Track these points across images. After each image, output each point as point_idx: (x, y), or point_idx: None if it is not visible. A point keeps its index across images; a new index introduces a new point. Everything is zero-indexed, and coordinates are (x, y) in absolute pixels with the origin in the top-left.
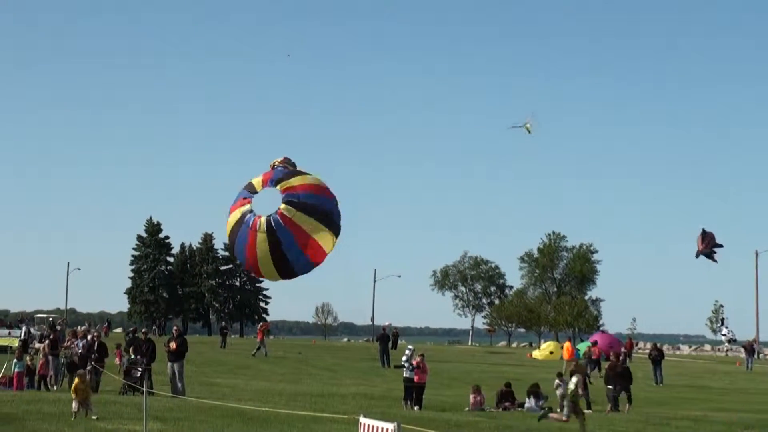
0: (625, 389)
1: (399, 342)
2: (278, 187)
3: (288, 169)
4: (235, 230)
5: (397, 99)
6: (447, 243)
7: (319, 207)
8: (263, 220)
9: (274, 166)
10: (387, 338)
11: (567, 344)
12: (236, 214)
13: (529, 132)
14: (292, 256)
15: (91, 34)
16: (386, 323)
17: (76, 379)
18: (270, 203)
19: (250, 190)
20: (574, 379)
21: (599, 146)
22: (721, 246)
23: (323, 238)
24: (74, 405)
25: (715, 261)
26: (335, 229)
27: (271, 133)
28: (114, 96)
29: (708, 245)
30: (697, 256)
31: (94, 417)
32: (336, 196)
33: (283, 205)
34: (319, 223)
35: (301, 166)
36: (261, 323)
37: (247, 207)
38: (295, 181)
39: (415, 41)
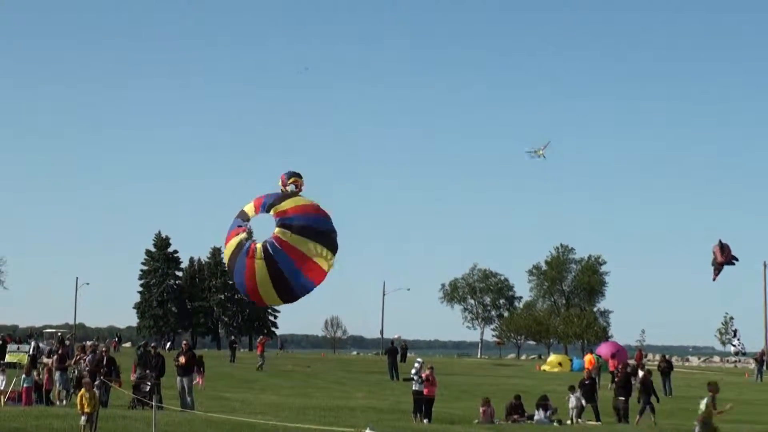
0: (644, 400)
1: (408, 355)
2: (271, 212)
3: (284, 192)
4: (233, 260)
5: (408, 111)
6: (456, 256)
7: (314, 227)
8: (259, 246)
9: (284, 184)
10: (396, 351)
11: (589, 356)
12: (233, 243)
13: (544, 158)
14: (292, 279)
15: (100, 49)
16: (395, 336)
17: (82, 390)
18: (264, 229)
19: (243, 218)
20: (705, 400)
21: (607, 159)
22: (737, 260)
23: (321, 258)
24: (82, 420)
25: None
26: (332, 246)
27: (280, 146)
28: (122, 109)
29: (726, 257)
30: (715, 268)
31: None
32: (329, 214)
33: (277, 229)
34: (316, 243)
35: (310, 179)
36: (261, 336)
37: (243, 235)
38: (286, 205)
39: (431, 53)
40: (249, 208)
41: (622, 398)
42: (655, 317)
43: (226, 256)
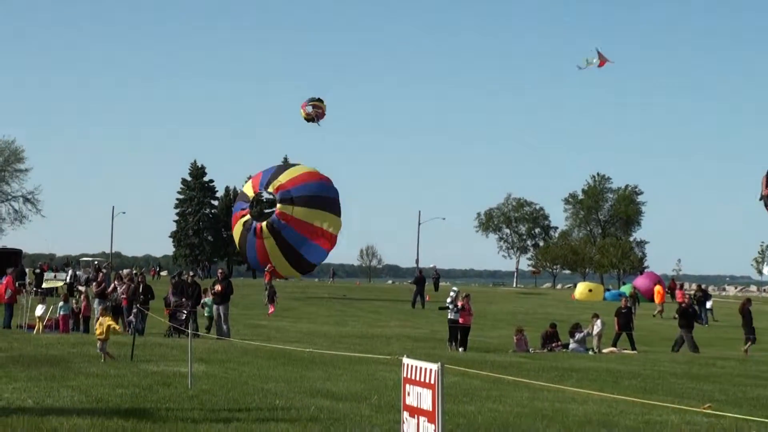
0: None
1: (443, 284)
2: (270, 188)
3: (283, 164)
4: (242, 242)
5: (445, 39)
6: (491, 185)
7: (315, 195)
8: (264, 225)
9: (307, 110)
10: (423, 281)
11: (658, 288)
12: (239, 227)
13: (591, 64)
14: (303, 250)
15: None
16: (431, 266)
17: (101, 317)
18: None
19: (245, 199)
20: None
21: (645, 87)
22: None
23: (327, 224)
24: (99, 345)
25: None
26: (336, 210)
27: (315, 74)
28: (162, 39)
29: None
30: (761, 199)
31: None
32: (329, 178)
33: (279, 205)
34: (320, 211)
35: (347, 108)
36: (268, 265)
37: (247, 217)
38: (284, 178)
39: None
40: (248, 188)
41: (684, 328)
42: (691, 247)
43: (235, 238)
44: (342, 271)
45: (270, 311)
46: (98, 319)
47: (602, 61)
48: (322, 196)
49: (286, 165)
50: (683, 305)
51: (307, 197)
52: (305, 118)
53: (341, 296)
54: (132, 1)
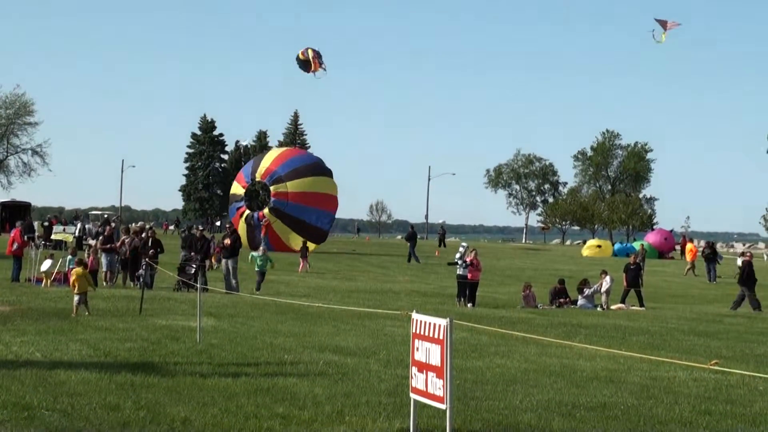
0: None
1: (452, 240)
2: (257, 177)
3: (259, 155)
4: (251, 238)
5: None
6: (500, 141)
7: (301, 165)
8: (266, 210)
9: (303, 56)
10: (415, 236)
11: (691, 246)
12: (242, 226)
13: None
14: (310, 219)
15: None
16: (440, 221)
17: (77, 269)
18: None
19: (236, 199)
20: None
21: (652, 43)
22: None
23: (323, 186)
24: (75, 299)
25: None
26: (326, 172)
27: (324, 30)
28: None
29: None
30: None
31: (86, 313)
32: (306, 151)
33: (272, 187)
34: (311, 177)
35: (357, 64)
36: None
37: (246, 212)
38: (265, 163)
39: None
40: (236, 188)
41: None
42: (700, 204)
43: (244, 241)
44: (352, 226)
45: (300, 267)
46: (73, 269)
47: (668, 27)
48: (307, 164)
49: (261, 154)
50: (744, 262)
51: (294, 171)
52: (300, 58)
53: (350, 251)
54: None
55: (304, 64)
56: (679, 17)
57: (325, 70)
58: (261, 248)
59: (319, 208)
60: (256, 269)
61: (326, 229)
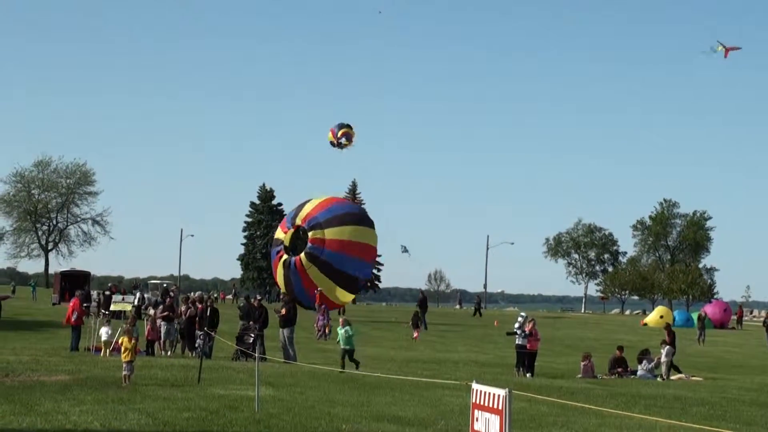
0: None
1: (511, 309)
2: (297, 221)
3: (302, 202)
4: (288, 282)
5: (514, 66)
6: (560, 210)
7: (341, 213)
8: (302, 256)
9: (336, 137)
10: (425, 303)
11: None
12: (280, 270)
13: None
14: (346, 268)
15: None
16: (499, 290)
17: (124, 338)
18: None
19: (277, 244)
20: None
21: (715, 111)
22: None
23: (362, 236)
24: (125, 368)
25: None
26: (366, 222)
27: (371, 101)
28: (226, 62)
29: None
30: None
31: (124, 384)
32: (346, 200)
33: (310, 233)
34: (350, 226)
35: (414, 134)
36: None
37: (285, 257)
38: (307, 209)
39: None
40: (278, 233)
41: None
42: (761, 272)
43: (281, 284)
44: (410, 296)
45: (415, 335)
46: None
47: (728, 49)
48: (348, 213)
49: (304, 201)
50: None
51: (334, 218)
52: (330, 142)
53: (408, 321)
54: (196, 26)
55: (337, 145)
56: (735, 85)
57: (352, 143)
58: (340, 319)
59: (355, 256)
60: (338, 341)
61: (362, 278)
